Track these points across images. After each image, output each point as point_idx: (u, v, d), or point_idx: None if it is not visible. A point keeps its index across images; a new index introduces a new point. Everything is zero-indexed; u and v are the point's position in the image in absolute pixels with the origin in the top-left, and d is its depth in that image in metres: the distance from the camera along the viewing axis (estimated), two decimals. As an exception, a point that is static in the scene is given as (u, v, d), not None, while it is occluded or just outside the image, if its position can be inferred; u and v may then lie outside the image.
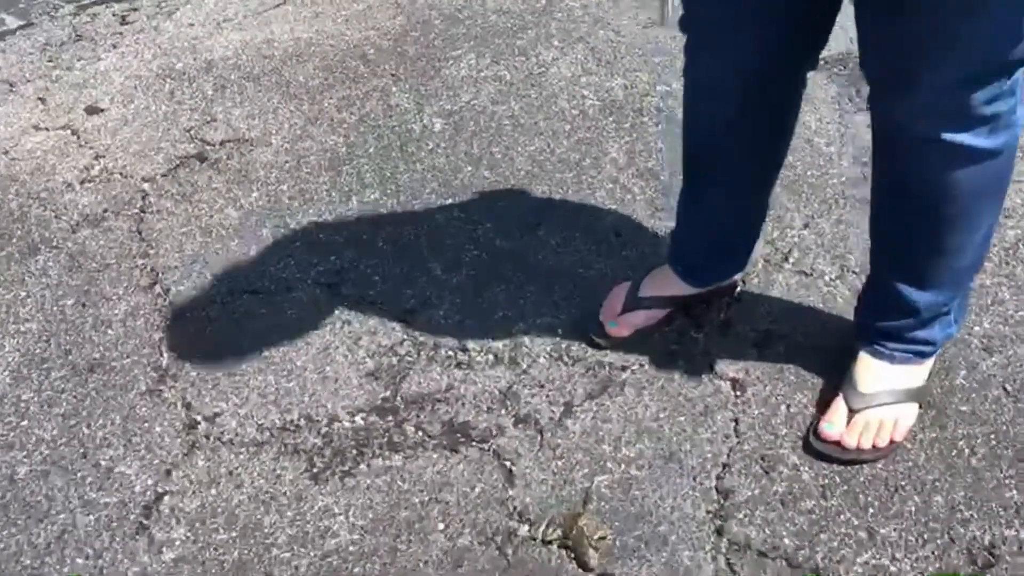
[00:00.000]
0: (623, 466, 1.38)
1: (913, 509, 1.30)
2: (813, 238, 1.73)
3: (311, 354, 1.57)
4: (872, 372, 1.37)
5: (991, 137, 1.13)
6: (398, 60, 2.22)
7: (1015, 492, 1.31)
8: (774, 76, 1.26)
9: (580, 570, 1.27)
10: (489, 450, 1.42)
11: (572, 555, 1.28)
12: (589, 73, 2.17)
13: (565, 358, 1.54)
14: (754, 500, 1.33)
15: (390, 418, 1.47)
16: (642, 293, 1.54)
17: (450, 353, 1.56)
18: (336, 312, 1.64)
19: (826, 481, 1.34)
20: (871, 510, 1.30)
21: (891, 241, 1.31)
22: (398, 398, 1.50)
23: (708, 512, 1.32)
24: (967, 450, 1.36)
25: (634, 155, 1.93)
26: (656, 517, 1.31)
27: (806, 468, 1.36)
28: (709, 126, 1.35)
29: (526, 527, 1.31)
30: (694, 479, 1.36)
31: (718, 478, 1.36)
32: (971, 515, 1.29)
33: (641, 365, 1.52)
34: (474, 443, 1.43)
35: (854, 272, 1.65)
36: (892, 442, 1.35)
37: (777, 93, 1.29)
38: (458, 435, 1.44)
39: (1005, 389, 1.44)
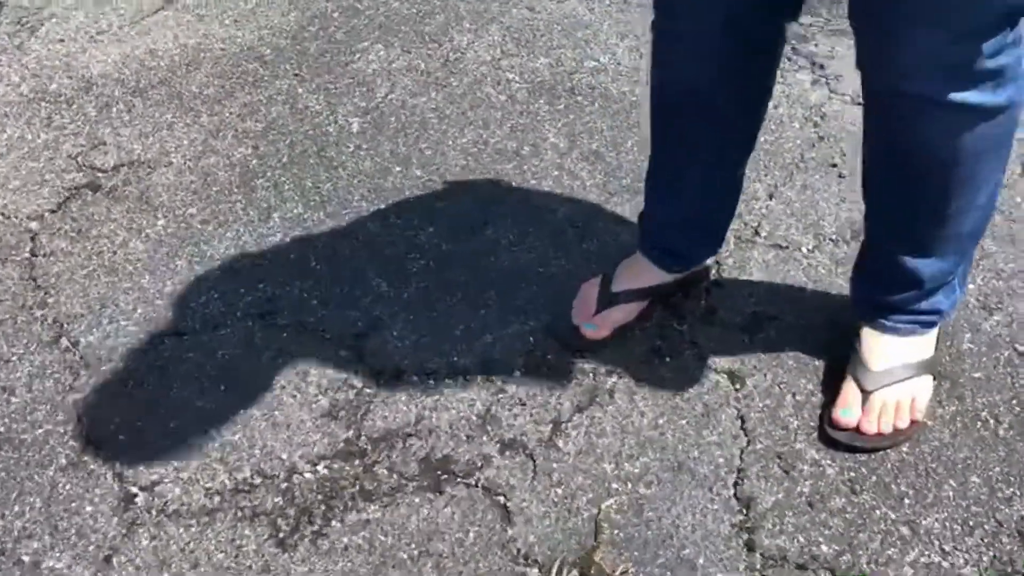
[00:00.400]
0: (630, 485, 1.24)
1: (951, 494, 1.20)
2: (781, 208, 1.62)
3: (254, 399, 1.38)
4: (881, 348, 1.27)
5: (997, 92, 1.03)
6: (299, 59, 2.02)
7: (1050, 460, 1.22)
8: (754, 24, 1.13)
9: (603, 611, 1.12)
10: (477, 485, 1.25)
11: (593, 596, 1.13)
12: (510, 55, 2.01)
13: (543, 369, 1.39)
14: (780, 506, 1.20)
15: (357, 462, 1.29)
16: (616, 288, 1.40)
17: (414, 379, 1.39)
18: (276, 347, 1.45)
19: (852, 474, 1.23)
20: (907, 501, 1.19)
21: (891, 211, 1.20)
22: (363, 438, 1.32)
23: (733, 526, 1.19)
24: (992, 420, 1.27)
25: (575, 137, 1.79)
26: (678, 539, 1.18)
27: (828, 462, 1.24)
28: (682, 88, 1.21)
29: (536, 571, 1.16)
30: (710, 490, 1.22)
31: (735, 485, 1.23)
32: (1012, 492, 1.19)
33: (627, 367, 1.38)
34: (459, 480, 1.26)
35: (831, 240, 1.55)
36: (913, 422, 1.24)
37: (757, 44, 1.17)
38: (439, 472, 1.27)
39: (1016, 349, 1.35)
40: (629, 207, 1.62)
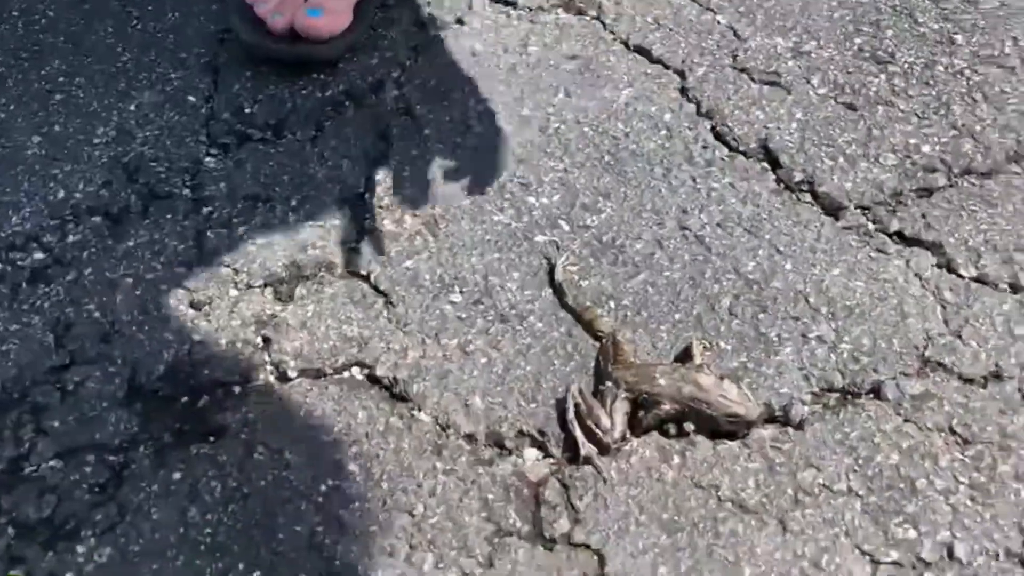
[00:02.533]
0: (566, 225, 0.63)
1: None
2: None
3: None
4: None
5: None
6: None
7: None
8: None
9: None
10: (341, 376, 0.56)
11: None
12: None
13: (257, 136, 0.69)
14: (798, 121, 0.67)
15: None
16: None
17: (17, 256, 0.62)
18: None
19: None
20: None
21: None
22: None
23: (771, 183, 0.63)
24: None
25: None
26: (706, 246, 0.60)
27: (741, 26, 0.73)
28: None
29: (535, 449, 0.52)
30: (689, 160, 0.65)
31: (716, 136, 0.67)
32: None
33: (411, 71, 0.73)
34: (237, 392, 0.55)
35: None
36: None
37: None
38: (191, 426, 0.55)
39: None
40: None
